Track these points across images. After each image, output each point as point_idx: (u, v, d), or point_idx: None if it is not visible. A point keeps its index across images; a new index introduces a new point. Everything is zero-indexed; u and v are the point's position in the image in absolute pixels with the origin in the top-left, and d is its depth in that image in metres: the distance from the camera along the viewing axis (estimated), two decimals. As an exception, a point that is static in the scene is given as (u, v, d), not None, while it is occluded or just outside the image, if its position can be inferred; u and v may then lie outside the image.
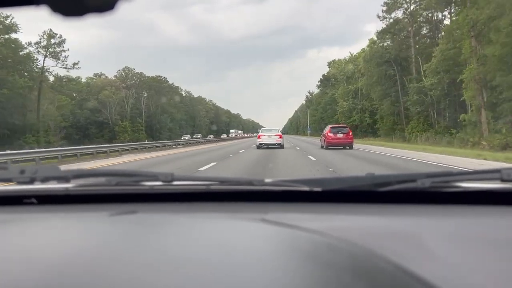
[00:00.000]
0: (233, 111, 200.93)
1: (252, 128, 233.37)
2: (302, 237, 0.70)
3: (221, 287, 0.45)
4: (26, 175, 0.97)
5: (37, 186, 1.00)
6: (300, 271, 0.51)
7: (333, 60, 73.33)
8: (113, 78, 71.46)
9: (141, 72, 76.86)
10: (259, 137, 22.51)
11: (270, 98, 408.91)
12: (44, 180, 0.99)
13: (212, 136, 70.82)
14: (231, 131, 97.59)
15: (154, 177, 1.00)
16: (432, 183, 0.92)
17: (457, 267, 0.65)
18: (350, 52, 74.06)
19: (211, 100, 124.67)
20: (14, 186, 1.02)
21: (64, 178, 1.01)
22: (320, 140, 23.35)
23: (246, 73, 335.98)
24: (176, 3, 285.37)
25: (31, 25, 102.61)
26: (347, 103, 66.21)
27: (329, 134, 21.04)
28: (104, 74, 73.00)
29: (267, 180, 0.99)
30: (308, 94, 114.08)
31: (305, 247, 0.66)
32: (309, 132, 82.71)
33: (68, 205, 1.01)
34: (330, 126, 22.17)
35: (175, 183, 0.99)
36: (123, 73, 75.99)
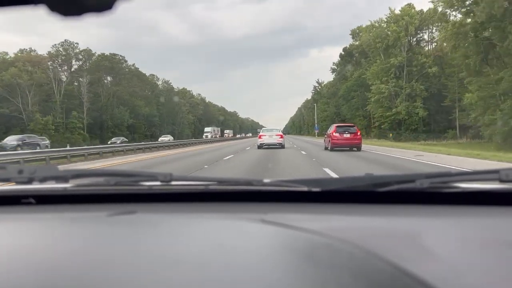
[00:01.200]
0: (235, 111, 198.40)
1: (251, 127, 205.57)
2: (301, 238, 0.73)
3: (220, 287, 0.46)
4: (25, 175, 1.05)
5: (36, 186, 1.09)
6: (299, 271, 0.52)
7: (360, 27, 44.61)
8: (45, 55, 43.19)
9: (88, 49, 49.19)
10: (260, 137, 24.01)
11: (271, 97, 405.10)
12: (43, 180, 1.07)
13: (121, 140, 40.19)
14: (206, 130, 68.66)
15: (153, 177, 1.09)
16: (431, 184, 0.99)
17: (456, 267, 0.66)
18: (390, 8, 45.77)
19: (199, 94, 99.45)
20: (13, 186, 1.12)
21: (63, 178, 1.09)
22: (324, 140, 22.55)
23: (246, 73, 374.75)
24: (176, 2, 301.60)
25: (30, 25, 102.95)
26: (386, 86, 34.20)
27: (334, 134, 19.29)
28: (36, 51, 45.02)
29: (266, 181, 1.08)
30: (317, 85, 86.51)
31: (304, 248, 0.68)
32: (316, 131, 69.18)
33: (67, 205, 1.11)
34: (335, 125, 21.09)
35: (173, 183, 1.07)
36: (60, 49, 47.78)
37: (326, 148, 20.32)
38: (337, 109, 72.92)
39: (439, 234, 0.82)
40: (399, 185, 0.98)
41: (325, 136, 22.29)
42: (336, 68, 71.34)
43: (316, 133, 68.03)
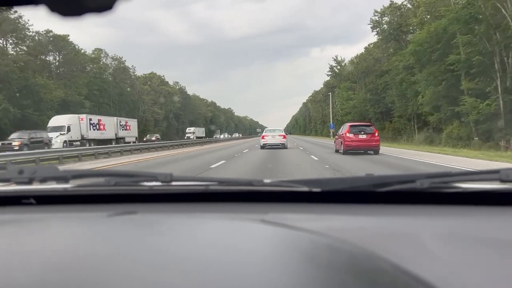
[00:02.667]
0: (236, 111, 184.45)
1: (249, 127, 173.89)
2: (302, 238, 0.73)
3: (221, 287, 0.45)
4: (25, 175, 1.04)
5: (36, 186, 1.09)
6: (300, 271, 0.52)
7: None
8: None
9: None
10: (263, 137, 23.71)
11: (272, 97, 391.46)
12: (43, 180, 1.06)
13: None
14: (52, 122, 30.25)
15: (153, 178, 1.08)
16: (431, 184, 0.98)
17: (457, 267, 0.68)
18: None
19: (177, 83, 67.16)
20: (13, 186, 1.11)
21: (63, 178, 1.08)
22: (335, 142, 19.50)
23: (247, 72, 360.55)
24: (177, 1, 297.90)
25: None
26: None
27: (348, 134, 16.42)
28: None
29: (267, 181, 1.07)
30: (334, 64, 53.38)
31: (305, 248, 0.68)
32: (332, 130, 49.67)
33: (67, 205, 1.10)
34: (349, 124, 18.03)
35: (174, 183, 1.07)
36: None
37: (337, 151, 17.81)
38: (374, 94, 42.76)
39: (439, 234, 0.81)
40: (399, 185, 0.97)
41: (336, 137, 19.62)
42: (379, 19, 41.17)
43: (332, 133, 50.37)
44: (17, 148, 20.84)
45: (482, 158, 13.99)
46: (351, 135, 16.08)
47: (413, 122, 38.17)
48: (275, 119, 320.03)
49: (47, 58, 47.41)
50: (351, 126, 16.99)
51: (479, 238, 0.79)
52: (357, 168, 10.90)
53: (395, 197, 1.01)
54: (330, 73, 66.65)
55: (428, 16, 28.92)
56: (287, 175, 9.79)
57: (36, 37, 43.70)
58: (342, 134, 17.01)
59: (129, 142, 33.63)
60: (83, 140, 29.84)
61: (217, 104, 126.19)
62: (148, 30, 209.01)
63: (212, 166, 12.54)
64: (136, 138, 38.35)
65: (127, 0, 0.43)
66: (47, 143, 24.15)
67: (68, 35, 48.52)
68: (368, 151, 16.34)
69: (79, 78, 47.82)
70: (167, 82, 79.92)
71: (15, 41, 40.91)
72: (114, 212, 0.87)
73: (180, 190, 1.08)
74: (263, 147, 22.64)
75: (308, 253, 0.61)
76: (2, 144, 22.30)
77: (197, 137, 59.13)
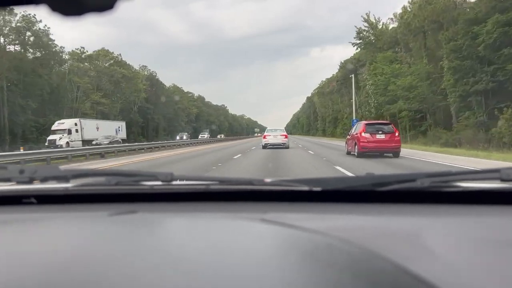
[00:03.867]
0: (234, 111, 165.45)
1: (246, 127, 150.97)
2: (302, 237, 0.72)
3: (221, 286, 0.44)
4: (26, 175, 1.04)
5: (37, 185, 1.09)
6: (300, 271, 0.51)
7: None
8: None
9: None
10: (264, 137, 23.78)
11: (272, 97, 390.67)
12: (44, 179, 1.06)
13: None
14: None
15: (154, 177, 1.07)
16: (432, 183, 0.97)
17: (457, 266, 0.67)
18: None
19: (145, 67, 40.46)
20: (14, 186, 1.10)
21: (64, 177, 1.08)
22: (346, 143, 17.04)
23: (247, 72, 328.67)
24: (177, 1, 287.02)
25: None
26: None
27: (363, 134, 14.28)
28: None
29: (267, 180, 1.06)
30: (365, 26, 26.66)
31: (305, 247, 0.67)
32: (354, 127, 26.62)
33: (68, 204, 1.09)
34: (364, 122, 15.94)
35: (174, 183, 1.06)
36: None
37: (349, 153, 15.94)
38: (465, 58, 19.81)
39: (440, 233, 0.81)
40: (399, 184, 0.97)
41: (348, 137, 16.99)
42: None
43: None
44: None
45: None
46: (367, 135, 14.06)
47: None
48: (275, 119, 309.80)
49: None
50: (366, 124, 14.93)
51: (479, 237, 0.78)
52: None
53: (396, 197, 0.99)
54: (359, 41, 42.04)
55: None
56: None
57: None
58: (356, 134, 14.87)
59: None
60: None
61: (206, 100, 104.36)
62: (148, 30, 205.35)
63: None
64: None
65: None
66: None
67: None
68: (385, 153, 14.41)
69: None
70: (125, 63, 57.86)
71: None
72: (115, 212, 0.87)
73: (180, 190, 1.07)
74: (264, 146, 22.54)
75: (308, 253, 0.60)
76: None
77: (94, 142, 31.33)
